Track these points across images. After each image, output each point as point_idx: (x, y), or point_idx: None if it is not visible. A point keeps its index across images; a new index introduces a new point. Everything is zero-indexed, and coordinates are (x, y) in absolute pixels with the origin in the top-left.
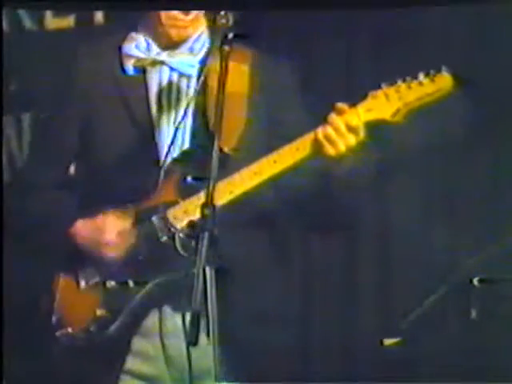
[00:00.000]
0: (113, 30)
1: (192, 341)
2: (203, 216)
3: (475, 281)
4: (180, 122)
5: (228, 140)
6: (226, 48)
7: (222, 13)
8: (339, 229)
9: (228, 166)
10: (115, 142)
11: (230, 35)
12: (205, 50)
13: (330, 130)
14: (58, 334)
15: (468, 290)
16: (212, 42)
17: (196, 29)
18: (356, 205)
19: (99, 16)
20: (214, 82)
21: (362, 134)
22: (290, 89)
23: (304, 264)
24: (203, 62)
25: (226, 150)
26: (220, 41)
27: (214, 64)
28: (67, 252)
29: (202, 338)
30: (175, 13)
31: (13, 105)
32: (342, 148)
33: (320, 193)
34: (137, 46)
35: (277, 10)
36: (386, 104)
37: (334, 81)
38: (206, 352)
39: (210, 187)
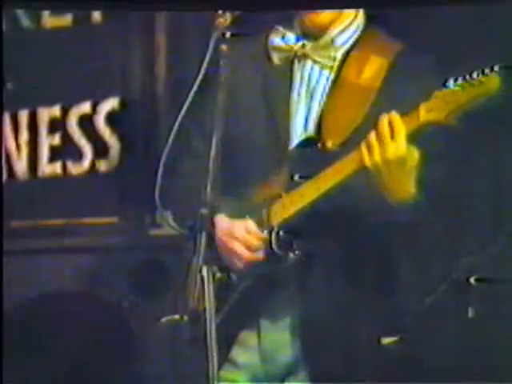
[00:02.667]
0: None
1: (191, 339)
2: (201, 216)
3: (472, 280)
4: (310, 111)
5: (336, 135)
6: (224, 48)
7: (220, 12)
8: None
9: (331, 161)
10: (250, 132)
11: (227, 34)
12: (350, 43)
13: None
14: (163, 320)
15: (465, 289)
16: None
17: (340, 20)
18: None
19: (97, 15)
20: (349, 76)
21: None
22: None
23: None
24: (345, 55)
25: (329, 145)
26: (216, 40)
27: (355, 58)
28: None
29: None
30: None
31: (11, 103)
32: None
33: None
34: (284, 39)
35: (277, 10)
36: (444, 105)
37: None
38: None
39: (208, 185)
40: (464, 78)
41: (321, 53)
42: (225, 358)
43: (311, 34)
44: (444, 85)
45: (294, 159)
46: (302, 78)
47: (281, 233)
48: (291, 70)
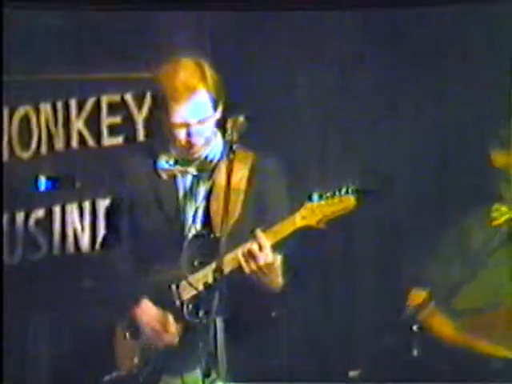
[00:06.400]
0: None
1: (206, 374)
2: (215, 279)
3: (415, 328)
4: (196, 211)
5: (223, 227)
6: (231, 156)
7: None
8: None
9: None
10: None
11: (234, 147)
12: (217, 157)
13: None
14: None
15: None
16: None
17: (209, 145)
18: None
19: None
20: (221, 182)
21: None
22: (278, 184)
23: None
24: (214, 167)
25: (217, 234)
26: (227, 150)
27: (222, 167)
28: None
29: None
30: (193, 143)
31: None
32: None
33: None
34: (167, 163)
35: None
36: (314, 214)
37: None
38: None
39: (220, 260)
40: (326, 195)
41: (198, 168)
42: None
43: (188, 158)
44: (310, 198)
45: (192, 248)
46: (185, 188)
47: (190, 306)
48: (176, 183)
